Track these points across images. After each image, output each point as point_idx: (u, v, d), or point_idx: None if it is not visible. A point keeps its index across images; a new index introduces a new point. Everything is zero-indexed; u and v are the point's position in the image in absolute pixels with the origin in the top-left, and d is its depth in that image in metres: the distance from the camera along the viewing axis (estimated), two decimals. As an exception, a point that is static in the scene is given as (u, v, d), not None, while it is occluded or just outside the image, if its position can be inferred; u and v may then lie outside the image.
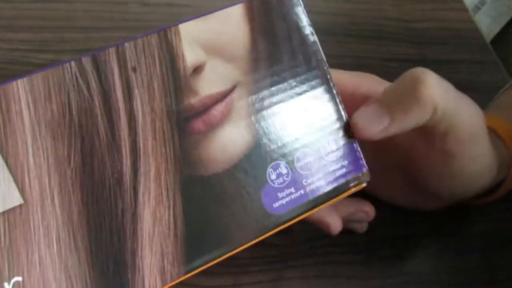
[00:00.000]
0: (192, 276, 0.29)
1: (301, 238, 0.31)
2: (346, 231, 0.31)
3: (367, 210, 0.28)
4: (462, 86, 0.27)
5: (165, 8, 0.42)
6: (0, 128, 0.17)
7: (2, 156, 0.16)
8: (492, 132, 0.29)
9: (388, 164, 0.28)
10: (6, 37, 0.40)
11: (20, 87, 0.17)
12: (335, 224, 0.25)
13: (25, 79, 0.17)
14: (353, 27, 0.44)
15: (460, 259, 0.31)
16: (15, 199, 0.16)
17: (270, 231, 0.20)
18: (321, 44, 0.23)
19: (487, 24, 0.90)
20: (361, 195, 0.30)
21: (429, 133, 0.24)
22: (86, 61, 0.18)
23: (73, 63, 0.18)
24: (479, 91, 0.38)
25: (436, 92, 0.22)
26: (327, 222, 0.25)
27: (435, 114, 0.22)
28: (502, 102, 0.34)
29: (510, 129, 0.29)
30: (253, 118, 0.20)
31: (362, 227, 0.30)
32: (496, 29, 0.91)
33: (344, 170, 0.21)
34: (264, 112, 0.20)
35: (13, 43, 0.39)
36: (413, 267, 0.30)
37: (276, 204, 0.20)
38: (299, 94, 0.21)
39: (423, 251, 0.31)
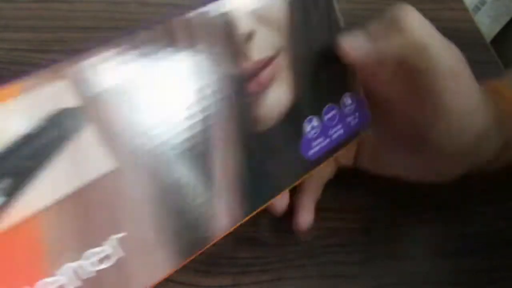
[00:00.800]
0: (192, 276, 0.29)
1: (301, 238, 0.31)
2: (346, 231, 0.31)
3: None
4: (462, 86, 0.27)
5: (165, 8, 0.43)
6: (91, 99, 0.17)
7: (95, 124, 0.17)
8: (496, 92, 0.29)
9: (388, 132, 0.29)
10: (6, 37, 0.40)
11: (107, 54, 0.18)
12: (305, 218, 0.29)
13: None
14: (353, 27, 0.44)
15: (460, 260, 0.31)
16: (109, 164, 0.18)
17: (306, 174, 0.24)
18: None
19: (487, 24, 0.90)
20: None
21: (411, 71, 0.25)
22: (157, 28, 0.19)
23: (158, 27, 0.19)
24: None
25: (417, 26, 0.24)
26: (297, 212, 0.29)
27: (414, 47, 0.24)
28: None
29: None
30: (292, 79, 0.23)
31: None
32: (496, 29, 0.91)
33: (356, 120, 0.26)
34: (301, 73, 0.23)
35: (13, 43, 0.39)
36: (413, 267, 0.30)
37: (310, 152, 0.24)
38: (324, 55, 0.24)
39: (423, 251, 0.31)
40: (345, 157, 0.31)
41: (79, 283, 0.17)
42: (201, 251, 0.21)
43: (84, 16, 0.41)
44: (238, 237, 0.31)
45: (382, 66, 0.25)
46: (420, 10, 0.32)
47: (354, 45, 0.25)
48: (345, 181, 0.34)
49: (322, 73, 0.24)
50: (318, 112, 0.24)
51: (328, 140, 0.24)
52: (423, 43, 0.24)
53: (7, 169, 0.15)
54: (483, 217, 0.33)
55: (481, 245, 0.31)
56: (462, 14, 0.48)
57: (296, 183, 0.23)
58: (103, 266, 0.18)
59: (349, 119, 0.25)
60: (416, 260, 0.31)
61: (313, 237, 0.31)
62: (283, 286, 0.29)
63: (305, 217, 0.29)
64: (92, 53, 0.17)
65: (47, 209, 0.16)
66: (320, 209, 0.32)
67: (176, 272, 0.29)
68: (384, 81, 0.26)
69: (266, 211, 0.32)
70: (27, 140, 0.16)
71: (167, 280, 0.29)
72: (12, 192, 0.15)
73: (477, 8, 0.49)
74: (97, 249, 0.18)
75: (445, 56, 0.25)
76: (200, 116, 0.20)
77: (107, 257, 0.18)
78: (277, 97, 0.22)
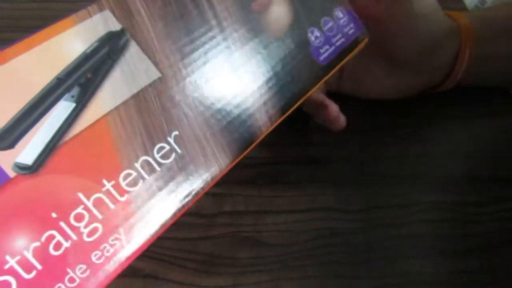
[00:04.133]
0: (193, 276, 0.29)
1: (301, 238, 0.31)
2: (346, 231, 0.31)
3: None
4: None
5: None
6: (129, 22, 0.21)
7: (136, 43, 0.21)
8: (449, 15, 0.36)
9: (369, 55, 0.35)
10: (6, 37, 0.40)
11: None
12: (333, 107, 0.32)
13: None
14: None
15: (460, 260, 0.31)
16: (155, 73, 0.21)
17: (324, 77, 0.27)
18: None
19: (487, 24, 0.89)
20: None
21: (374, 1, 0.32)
22: None
23: None
24: (478, 91, 0.38)
25: None
26: (327, 104, 0.32)
27: None
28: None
29: (462, 14, 0.36)
30: None
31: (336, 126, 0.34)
32: (496, 29, 0.91)
33: (352, 30, 0.30)
34: None
35: (13, 43, 0.39)
36: (413, 267, 0.30)
37: (321, 58, 0.27)
38: None
39: (423, 251, 0.31)
40: (329, 83, 0.37)
41: (153, 177, 0.20)
42: (249, 149, 0.23)
43: (84, 16, 0.41)
44: (238, 237, 0.31)
45: None
46: (420, 10, 0.32)
47: None
48: (345, 181, 0.34)
49: None
50: (317, 25, 0.28)
51: (333, 47, 0.28)
52: None
53: (75, 80, 0.20)
54: (482, 218, 0.33)
55: (481, 245, 0.31)
56: (462, 14, 0.48)
57: (318, 85, 0.27)
58: (167, 161, 0.21)
59: (345, 29, 0.29)
60: (416, 260, 0.31)
61: (312, 237, 0.31)
62: (283, 286, 0.29)
63: (333, 107, 0.32)
64: None
65: (115, 110, 0.20)
66: (320, 209, 0.33)
67: (176, 272, 0.30)
68: (362, 7, 0.33)
69: (268, 213, 0.32)
70: (86, 57, 0.20)
71: (167, 280, 0.29)
72: (81, 99, 0.20)
73: (477, 8, 0.49)
74: (161, 145, 0.21)
75: None
76: (226, 24, 0.24)
77: (168, 152, 0.21)
78: (279, 12, 0.27)
